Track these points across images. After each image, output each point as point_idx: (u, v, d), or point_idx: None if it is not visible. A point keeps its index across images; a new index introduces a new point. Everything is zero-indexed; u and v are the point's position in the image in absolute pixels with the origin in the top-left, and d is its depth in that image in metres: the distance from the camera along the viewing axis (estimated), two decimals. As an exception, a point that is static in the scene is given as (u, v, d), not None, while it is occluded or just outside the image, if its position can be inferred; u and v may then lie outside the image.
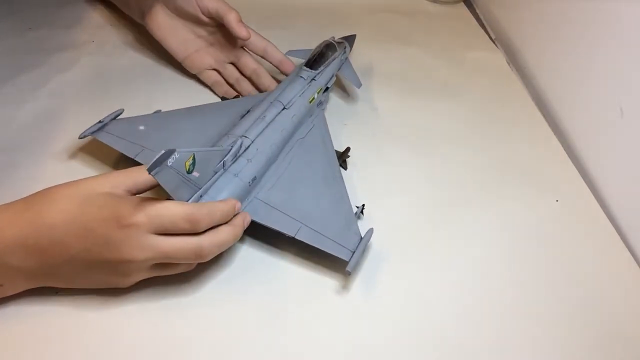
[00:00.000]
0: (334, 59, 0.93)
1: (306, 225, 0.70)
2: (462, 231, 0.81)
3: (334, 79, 0.95)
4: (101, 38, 1.10)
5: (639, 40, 0.87)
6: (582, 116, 1.01)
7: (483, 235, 0.81)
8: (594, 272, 0.78)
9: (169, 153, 0.57)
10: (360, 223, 0.73)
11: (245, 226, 0.68)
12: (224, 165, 0.70)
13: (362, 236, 0.71)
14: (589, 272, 0.78)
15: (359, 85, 0.97)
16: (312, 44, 0.97)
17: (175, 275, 0.67)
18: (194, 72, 1.00)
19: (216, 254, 0.64)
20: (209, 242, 0.61)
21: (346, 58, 0.98)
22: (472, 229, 0.82)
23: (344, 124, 0.97)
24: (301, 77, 0.87)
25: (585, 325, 0.71)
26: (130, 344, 0.63)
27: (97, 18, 1.15)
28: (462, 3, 1.38)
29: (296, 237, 0.69)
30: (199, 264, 0.67)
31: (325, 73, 0.91)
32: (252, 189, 0.73)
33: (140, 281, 0.65)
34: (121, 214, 0.56)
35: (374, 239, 0.77)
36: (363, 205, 0.78)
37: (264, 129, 0.78)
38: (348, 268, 0.67)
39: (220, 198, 0.67)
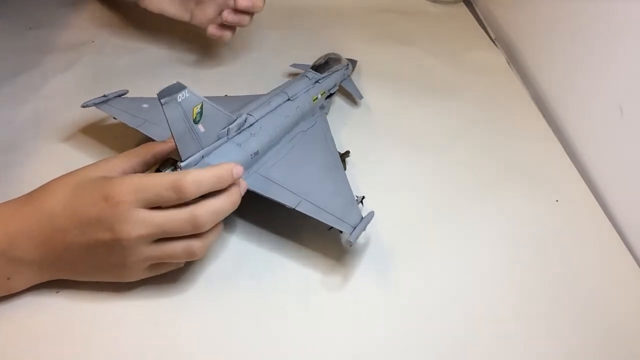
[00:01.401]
0: (338, 70, 0.96)
1: (307, 200, 0.70)
2: (461, 231, 0.81)
3: (337, 87, 0.97)
4: (101, 38, 1.10)
5: (639, 40, 0.87)
6: (582, 116, 1.01)
7: (483, 235, 0.81)
8: (594, 272, 0.78)
9: (179, 87, 0.59)
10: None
11: (242, 193, 0.65)
12: (228, 132, 0.71)
13: (364, 217, 0.70)
14: (588, 272, 0.77)
15: (360, 97, 1.01)
16: (312, 44, 0.97)
17: (171, 273, 0.67)
18: (204, 27, 0.97)
19: (214, 223, 0.61)
20: (203, 209, 0.59)
21: (348, 75, 1.02)
22: (472, 229, 0.82)
23: (344, 124, 0.97)
24: (307, 76, 0.91)
25: (585, 325, 0.71)
26: (125, 342, 0.63)
27: (97, 18, 1.15)
28: (462, 3, 1.38)
29: (297, 208, 0.69)
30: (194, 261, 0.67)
31: (329, 79, 0.94)
32: (253, 162, 0.74)
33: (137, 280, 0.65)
34: (109, 193, 0.57)
35: (373, 238, 0.77)
36: (363, 196, 0.77)
37: (268, 112, 0.80)
38: (350, 238, 0.66)
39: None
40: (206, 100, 0.64)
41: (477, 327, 0.69)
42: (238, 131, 0.73)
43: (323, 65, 0.95)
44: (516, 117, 1.04)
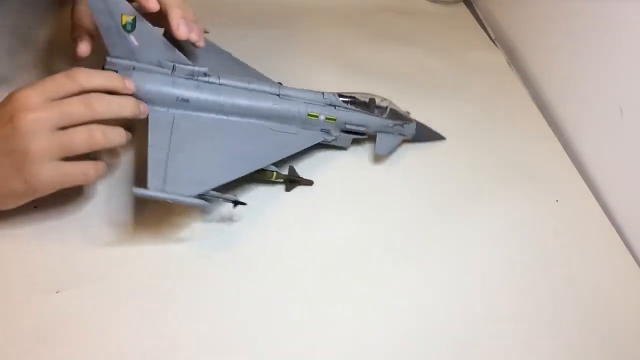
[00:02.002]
0: (374, 116, 0.87)
1: (167, 154, 0.69)
2: (461, 231, 0.81)
3: (363, 129, 0.87)
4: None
5: (639, 40, 0.87)
6: (582, 116, 1.01)
7: (482, 236, 0.81)
8: (594, 272, 0.78)
9: None
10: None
11: (142, 111, 0.70)
12: (174, 68, 0.75)
13: (188, 195, 0.66)
14: (588, 272, 0.78)
15: (381, 153, 0.88)
16: (312, 44, 0.96)
17: (170, 267, 0.67)
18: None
19: (107, 109, 0.64)
20: (96, 94, 0.64)
21: (399, 134, 0.90)
22: (471, 230, 0.82)
23: (344, 124, 0.97)
24: (322, 93, 0.85)
25: (585, 325, 0.71)
26: (125, 342, 0.63)
27: (97, 18, 1.15)
28: (462, 3, 1.38)
29: (149, 148, 0.68)
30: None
31: (350, 115, 0.85)
32: (177, 105, 0.75)
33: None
34: (12, 93, 0.62)
35: (374, 239, 0.77)
36: (240, 203, 0.73)
37: (237, 87, 0.79)
38: (137, 189, 0.64)
39: (147, 85, 0.72)
40: (144, 21, 0.71)
41: (477, 327, 0.69)
42: (188, 76, 0.76)
43: (359, 102, 0.86)
44: (516, 117, 1.04)
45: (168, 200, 0.65)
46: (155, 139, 0.71)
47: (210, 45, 0.89)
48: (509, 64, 1.19)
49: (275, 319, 0.67)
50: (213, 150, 0.74)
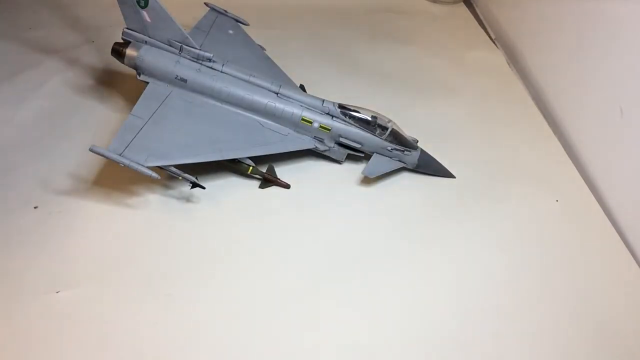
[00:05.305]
0: (373, 135, 0.85)
1: (147, 124, 0.75)
2: (462, 230, 0.81)
3: (359, 146, 0.86)
4: (101, 38, 1.09)
5: (638, 40, 0.87)
6: (582, 116, 1.01)
7: (482, 235, 0.81)
8: (594, 272, 0.78)
9: None
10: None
11: None
12: (181, 49, 0.81)
13: (142, 164, 0.71)
14: (588, 272, 0.78)
15: (365, 173, 0.85)
16: (312, 44, 0.96)
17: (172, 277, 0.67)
18: None
19: None
20: None
21: (397, 159, 0.87)
22: (472, 228, 0.82)
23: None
24: (323, 100, 0.85)
25: (585, 324, 0.71)
26: (124, 342, 0.63)
27: (97, 18, 1.15)
28: (462, 3, 1.38)
29: (130, 114, 0.75)
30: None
31: (346, 128, 0.85)
32: (175, 82, 0.81)
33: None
34: None
35: (372, 239, 0.77)
36: (200, 186, 0.77)
37: (238, 78, 0.83)
38: (92, 147, 0.70)
39: (152, 59, 0.80)
40: (158, 1, 0.78)
41: (476, 326, 0.69)
42: (193, 59, 0.82)
43: (364, 119, 0.85)
44: (516, 117, 1.04)
45: (119, 163, 0.70)
46: (139, 109, 0.77)
47: (244, 37, 0.98)
48: (509, 64, 1.19)
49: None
50: (191, 130, 0.79)
